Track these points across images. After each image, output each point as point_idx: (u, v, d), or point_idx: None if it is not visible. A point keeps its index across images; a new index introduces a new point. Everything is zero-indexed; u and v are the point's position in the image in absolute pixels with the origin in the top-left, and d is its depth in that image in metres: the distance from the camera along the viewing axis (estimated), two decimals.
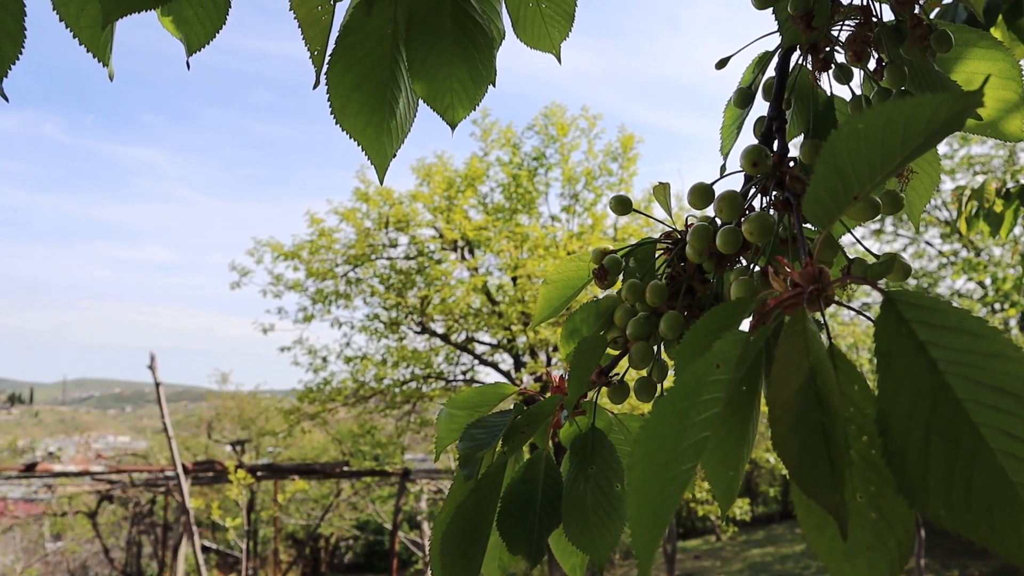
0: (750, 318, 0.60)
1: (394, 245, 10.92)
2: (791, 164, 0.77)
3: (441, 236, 10.78)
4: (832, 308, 0.57)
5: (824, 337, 0.51)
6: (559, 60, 0.87)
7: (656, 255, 0.93)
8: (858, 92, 0.88)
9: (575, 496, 0.86)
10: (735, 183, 0.83)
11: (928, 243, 14.90)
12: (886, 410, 0.47)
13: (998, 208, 2.69)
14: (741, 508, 13.45)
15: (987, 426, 0.45)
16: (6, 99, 0.71)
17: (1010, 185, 2.81)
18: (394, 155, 0.82)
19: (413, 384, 10.96)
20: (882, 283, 0.60)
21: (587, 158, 11.29)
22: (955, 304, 0.48)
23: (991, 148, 13.92)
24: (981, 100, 0.46)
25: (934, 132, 0.48)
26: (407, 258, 10.90)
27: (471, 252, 11.06)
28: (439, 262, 10.70)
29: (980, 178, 13.25)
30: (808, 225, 0.76)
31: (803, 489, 0.45)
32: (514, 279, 10.35)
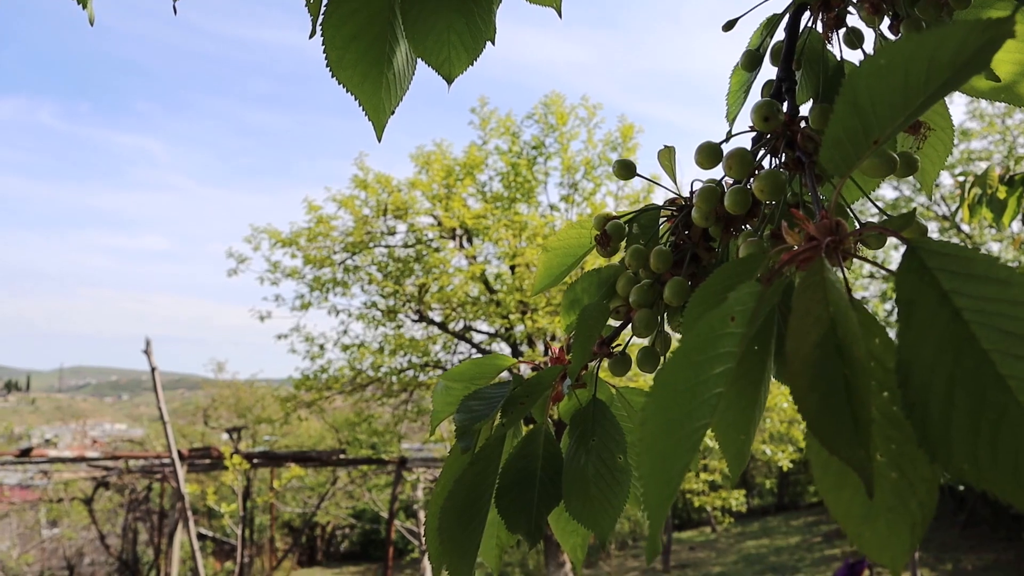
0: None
1: (392, 233, 10.87)
2: (802, 124, 0.74)
3: (439, 224, 10.74)
4: None
5: (844, 289, 0.49)
6: (559, 14, 0.84)
7: (660, 222, 0.90)
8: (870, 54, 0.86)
9: (576, 469, 0.83)
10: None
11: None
12: (907, 361, 0.45)
13: (1001, 195, 2.66)
14: (737, 499, 13.45)
15: (1015, 378, 0.42)
16: None
17: (1014, 173, 2.79)
18: (392, 112, 0.79)
19: (410, 373, 10.94)
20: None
21: (586, 147, 11.25)
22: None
23: (990, 144, 13.91)
24: (1012, 30, 0.43)
25: (962, 66, 0.45)
26: (405, 246, 10.86)
27: (469, 240, 11.02)
28: (437, 250, 10.67)
29: (983, 164, 13.26)
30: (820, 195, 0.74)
31: (824, 444, 0.42)
32: (512, 268, 10.31)
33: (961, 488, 13.93)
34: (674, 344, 0.85)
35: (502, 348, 11.27)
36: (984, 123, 13.59)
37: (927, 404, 0.43)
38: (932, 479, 0.46)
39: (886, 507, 0.47)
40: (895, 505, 0.47)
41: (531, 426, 0.92)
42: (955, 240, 13.86)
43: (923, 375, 0.43)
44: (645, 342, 0.87)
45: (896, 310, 0.45)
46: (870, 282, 13.82)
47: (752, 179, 0.72)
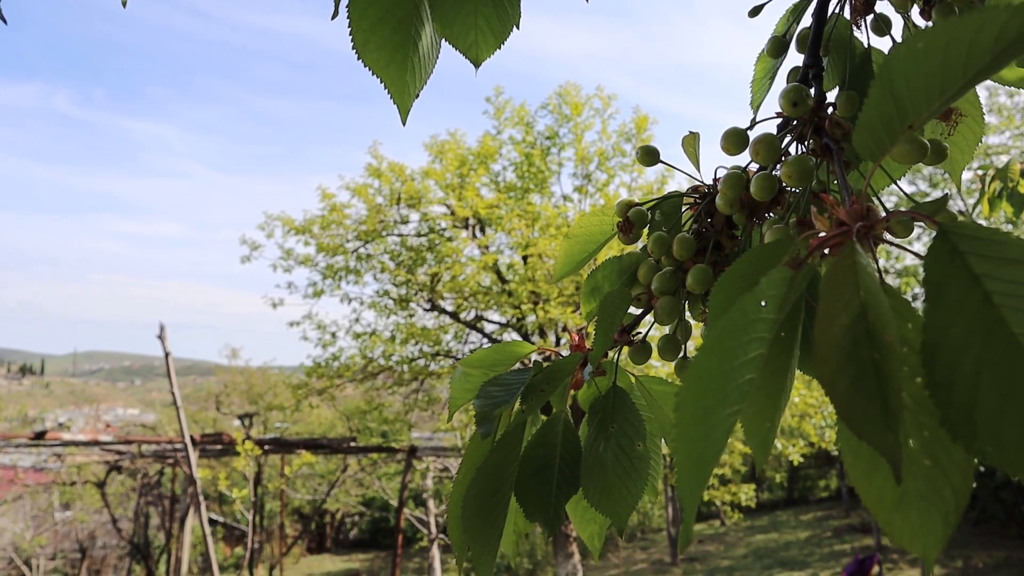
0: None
1: (405, 222, 10.87)
2: (830, 110, 0.74)
3: (452, 213, 10.73)
4: None
5: (876, 274, 0.48)
6: None
7: (682, 210, 0.90)
8: (899, 40, 0.85)
9: (595, 456, 0.83)
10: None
11: None
12: (933, 342, 0.44)
13: (1022, 188, 2.64)
14: (747, 494, 13.43)
15: None
16: (4, 22, 0.67)
17: None
18: (417, 95, 0.79)
19: (421, 362, 10.95)
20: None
21: (600, 138, 11.21)
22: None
23: (1008, 139, 13.79)
24: None
25: (1002, 50, 0.44)
26: (418, 235, 10.86)
27: (482, 230, 11.01)
28: (450, 240, 10.66)
29: (1004, 157, 13.16)
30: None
31: (853, 429, 0.42)
32: (525, 258, 10.30)
33: (973, 485, 13.88)
34: (695, 333, 0.84)
35: (513, 338, 11.26)
36: (1002, 118, 13.48)
37: (952, 385, 0.42)
38: (966, 466, 0.46)
39: (918, 495, 0.47)
40: (928, 493, 0.46)
41: (547, 415, 0.92)
42: None
43: (949, 356, 0.43)
44: (665, 330, 0.87)
45: (924, 293, 0.45)
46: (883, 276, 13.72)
47: (779, 165, 0.71)
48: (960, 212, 13.91)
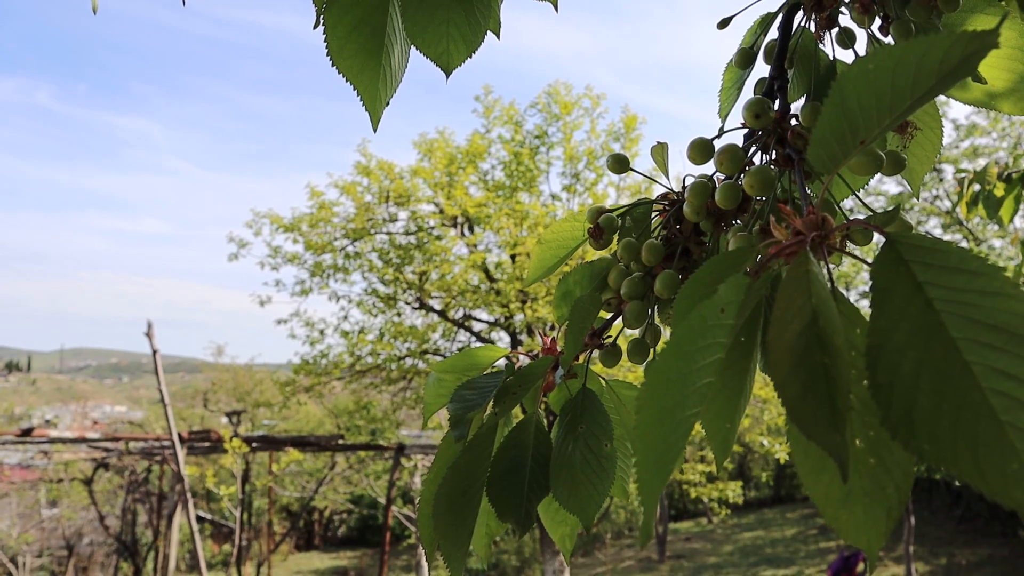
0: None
1: (394, 220, 10.86)
2: (793, 121, 0.75)
3: (441, 212, 10.73)
4: None
5: (827, 282, 0.50)
6: (556, 7, 0.85)
7: (652, 216, 0.92)
8: (862, 55, 0.87)
9: (563, 455, 0.85)
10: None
11: (928, 233, 14.85)
12: (877, 345, 0.47)
13: (999, 192, 2.66)
14: (734, 491, 13.48)
15: (979, 364, 0.45)
16: None
17: (1013, 171, 2.79)
18: (387, 103, 0.80)
19: (409, 360, 10.96)
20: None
21: (589, 138, 11.22)
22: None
23: (996, 140, 13.88)
24: (996, 41, 0.44)
25: (947, 74, 0.46)
26: (406, 233, 10.85)
27: (471, 229, 11.01)
28: (438, 238, 10.66)
29: (983, 160, 13.23)
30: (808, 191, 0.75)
31: (803, 430, 0.44)
32: (513, 257, 10.31)
33: (957, 483, 13.98)
34: (664, 337, 0.86)
35: (501, 337, 11.28)
36: (989, 118, 13.56)
37: (893, 386, 0.45)
38: (907, 463, 0.48)
39: (863, 492, 0.49)
40: (872, 490, 0.48)
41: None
42: (957, 236, 13.81)
43: (892, 358, 0.45)
44: (636, 333, 0.89)
45: (871, 299, 0.47)
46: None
47: (742, 175, 0.73)
48: (947, 212, 13.99)
